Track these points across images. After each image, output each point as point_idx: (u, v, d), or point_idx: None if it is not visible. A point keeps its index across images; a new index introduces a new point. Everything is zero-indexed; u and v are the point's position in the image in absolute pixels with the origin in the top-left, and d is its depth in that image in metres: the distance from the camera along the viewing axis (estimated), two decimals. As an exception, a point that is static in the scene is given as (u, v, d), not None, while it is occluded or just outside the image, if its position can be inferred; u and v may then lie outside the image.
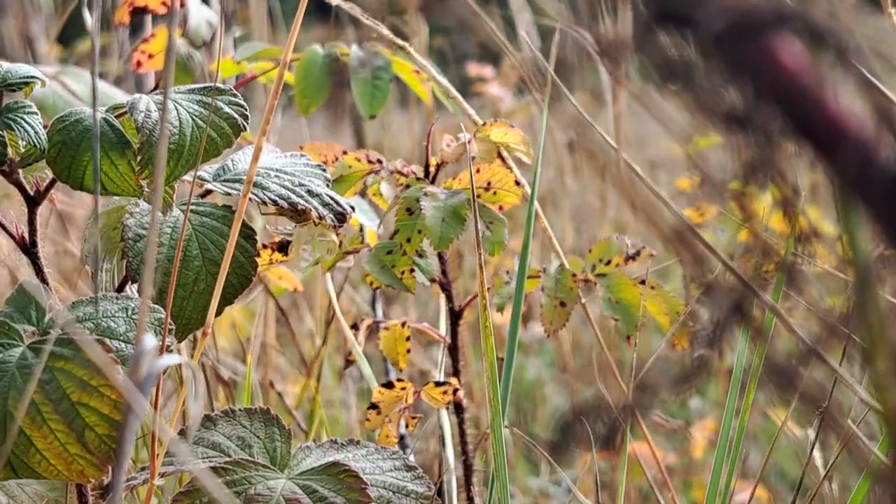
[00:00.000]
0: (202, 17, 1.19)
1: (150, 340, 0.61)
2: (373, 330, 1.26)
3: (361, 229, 1.18)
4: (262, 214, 1.00)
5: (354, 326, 1.20)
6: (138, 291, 0.92)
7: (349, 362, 1.19)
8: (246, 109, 0.91)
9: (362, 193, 1.19)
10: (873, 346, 0.36)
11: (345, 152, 1.14)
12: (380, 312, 1.44)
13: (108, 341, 0.82)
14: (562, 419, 0.38)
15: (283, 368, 2.07)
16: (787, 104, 0.34)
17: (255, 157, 0.84)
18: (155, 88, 1.12)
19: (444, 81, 1.11)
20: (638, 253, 1.14)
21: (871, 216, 0.35)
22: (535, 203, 0.99)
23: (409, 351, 1.15)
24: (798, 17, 0.33)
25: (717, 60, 0.34)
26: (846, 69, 0.34)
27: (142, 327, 0.62)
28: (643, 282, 1.12)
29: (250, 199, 0.91)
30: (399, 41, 1.07)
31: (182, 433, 0.95)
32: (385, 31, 1.08)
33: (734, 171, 0.35)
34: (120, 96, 1.29)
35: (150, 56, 1.21)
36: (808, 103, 0.34)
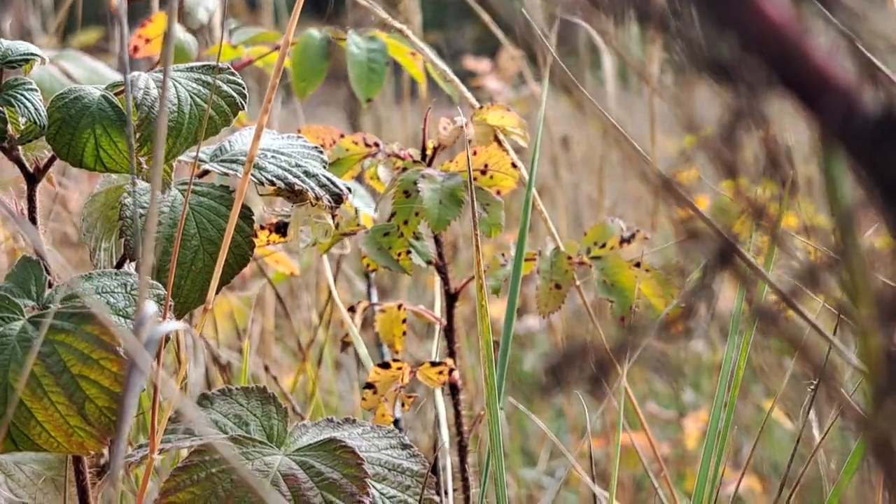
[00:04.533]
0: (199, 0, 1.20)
1: (151, 306, 0.62)
2: (369, 316, 1.27)
3: (357, 212, 1.19)
4: (260, 195, 1.01)
5: (351, 309, 1.21)
6: (136, 269, 0.93)
7: (346, 344, 1.20)
8: (244, 88, 0.91)
9: (359, 177, 1.20)
10: (855, 293, 0.37)
11: (342, 136, 1.15)
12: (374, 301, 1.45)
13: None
14: (549, 361, 0.39)
15: (282, 359, 2.08)
16: (771, 55, 0.35)
17: (257, 136, 0.85)
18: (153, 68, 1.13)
19: (441, 64, 1.12)
20: (633, 236, 1.15)
21: (854, 164, 0.36)
22: (533, 187, 1.00)
23: (404, 333, 1.16)
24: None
25: (702, 11, 0.35)
26: (830, 20, 0.35)
27: (143, 295, 0.63)
28: (638, 264, 1.13)
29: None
30: (396, 24, 1.08)
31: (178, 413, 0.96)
32: (381, 13, 1.09)
33: (721, 121, 0.36)
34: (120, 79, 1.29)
35: (148, 41, 1.21)
36: (791, 54, 0.35)
